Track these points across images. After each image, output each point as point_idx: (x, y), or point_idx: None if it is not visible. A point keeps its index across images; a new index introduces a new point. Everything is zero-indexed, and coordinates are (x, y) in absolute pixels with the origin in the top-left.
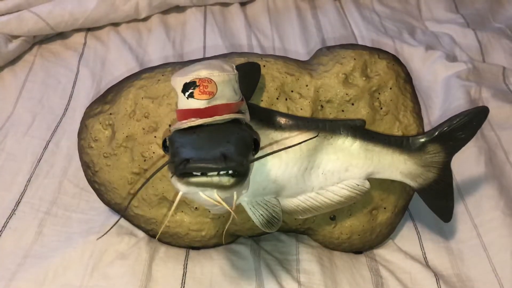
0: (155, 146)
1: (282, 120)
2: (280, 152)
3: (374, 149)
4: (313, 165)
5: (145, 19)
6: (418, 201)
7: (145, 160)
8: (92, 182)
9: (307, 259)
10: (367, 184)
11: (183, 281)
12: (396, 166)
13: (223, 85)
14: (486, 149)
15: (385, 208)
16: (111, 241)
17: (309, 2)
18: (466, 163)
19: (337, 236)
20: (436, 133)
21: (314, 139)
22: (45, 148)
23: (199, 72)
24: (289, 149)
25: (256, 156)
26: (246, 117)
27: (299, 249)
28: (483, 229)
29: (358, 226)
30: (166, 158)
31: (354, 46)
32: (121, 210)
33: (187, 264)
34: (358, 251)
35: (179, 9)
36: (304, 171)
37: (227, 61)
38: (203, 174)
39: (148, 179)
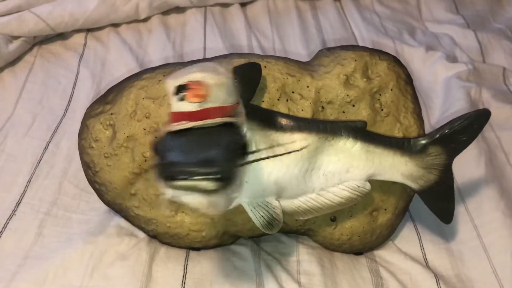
0: None
1: (283, 121)
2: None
3: (375, 150)
4: (314, 166)
5: (145, 19)
6: (419, 202)
7: (146, 161)
8: (92, 182)
9: (308, 260)
10: (368, 186)
11: (183, 281)
12: (397, 168)
13: (217, 88)
14: (487, 150)
15: (385, 210)
16: (111, 241)
17: (309, 3)
18: (466, 164)
19: (338, 237)
20: (438, 135)
21: (315, 140)
22: (45, 149)
23: (192, 75)
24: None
25: (247, 160)
26: (241, 120)
27: (300, 250)
28: (484, 230)
29: (358, 227)
30: None
31: (354, 47)
32: (121, 210)
33: (187, 264)
34: (358, 252)
35: (179, 10)
36: (305, 172)
37: (227, 62)
38: (188, 178)
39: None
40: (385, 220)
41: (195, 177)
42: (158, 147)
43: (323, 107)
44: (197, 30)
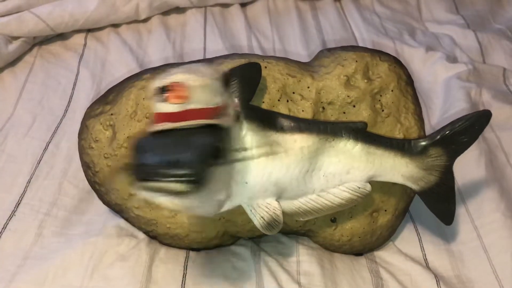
0: None
1: (284, 122)
2: (281, 156)
3: (375, 152)
4: (314, 167)
5: (145, 20)
6: (419, 203)
7: None
8: (92, 182)
9: (308, 261)
10: (368, 187)
11: (183, 282)
12: (397, 169)
13: (199, 90)
14: (487, 150)
15: (385, 211)
16: (111, 242)
17: (310, 3)
18: (466, 164)
19: (338, 238)
20: (438, 137)
21: (316, 141)
22: (45, 149)
23: (175, 77)
24: (290, 151)
25: (225, 162)
26: (227, 122)
27: (300, 251)
28: (484, 230)
29: (358, 228)
30: None
31: (355, 48)
32: (121, 211)
33: (187, 265)
34: (358, 253)
35: (179, 10)
36: (305, 173)
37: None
38: (158, 179)
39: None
40: (385, 221)
41: (165, 179)
42: (136, 147)
43: (323, 108)
44: (197, 30)
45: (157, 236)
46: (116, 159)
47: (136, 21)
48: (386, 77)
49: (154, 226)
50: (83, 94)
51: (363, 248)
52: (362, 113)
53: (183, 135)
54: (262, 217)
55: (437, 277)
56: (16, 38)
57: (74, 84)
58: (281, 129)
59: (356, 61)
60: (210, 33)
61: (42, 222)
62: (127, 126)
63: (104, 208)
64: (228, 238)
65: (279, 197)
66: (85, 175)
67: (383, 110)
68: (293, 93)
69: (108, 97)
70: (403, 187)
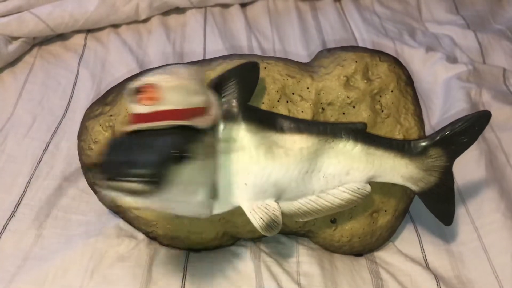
0: None
1: (283, 123)
2: (280, 156)
3: (375, 152)
4: (314, 168)
5: (145, 20)
6: (419, 203)
7: None
8: (92, 184)
9: (308, 262)
10: (368, 188)
11: (183, 283)
12: (397, 170)
13: (172, 91)
14: (487, 151)
15: (385, 211)
16: (111, 243)
17: (310, 3)
18: (466, 165)
19: (338, 238)
20: (438, 137)
21: (315, 142)
22: (45, 149)
23: (147, 78)
24: (290, 152)
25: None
26: (204, 123)
27: (300, 252)
28: (484, 231)
29: (358, 229)
30: None
31: (355, 49)
32: (121, 212)
33: (187, 266)
34: (358, 254)
35: (179, 10)
36: (305, 174)
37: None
38: (117, 178)
39: None
40: (385, 221)
41: (124, 179)
42: (108, 147)
43: (323, 109)
44: (197, 30)
45: (157, 237)
46: (91, 158)
47: (136, 22)
48: (385, 77)
49: (154, 227)
50: (83, 94)
51: (363, 248)
52: (361, 114)
53: (151, 135)
54: (261, 218)
55: (437, 278)
56: (16, 38)
57: (74, 85)
58: (280, 130)
59: (356, 61)
60: (210, 34)
61: (42, 222)
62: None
63: (104, 208)
64: (228, 239)
65: (278, 198)
66: (85, 176)
67: (382, 111)
68: (293, 93)
69: (108, 98)
70: (403, 188)
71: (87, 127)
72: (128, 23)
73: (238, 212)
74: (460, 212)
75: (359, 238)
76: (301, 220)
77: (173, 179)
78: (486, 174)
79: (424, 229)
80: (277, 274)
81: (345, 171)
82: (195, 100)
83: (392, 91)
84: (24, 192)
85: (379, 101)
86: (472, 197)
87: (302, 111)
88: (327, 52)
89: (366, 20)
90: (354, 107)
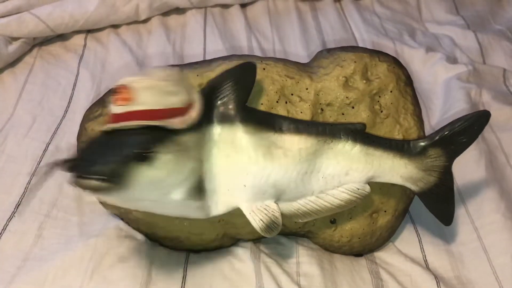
0: None
1: (282, 124)
2: (279, 156)
3: (374, 153)
4: (313, 169)
5: (145, 20)
6: (419, 204)
7: None
8: None
9: (307, 262)
10: (367, 188)
11: (183, 284)
12: (396, 170)
13: (145, 92)
14: (487, 151)
15: (385, 212)
16: (111, 244)
17: (310, 4)
18: (466, 165)
19: (338, 239)
20: (437, 137)
21: (314, 143)
22: (45, 150)
23: (122, 80)
24: (288, 153)
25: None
26: (178, 123)
27: (299, 252)
28: (484, 231)
29: (358, 229)
30: None
31: (354, 49)
32: (121, 213)
33: (187, 267)
34: (358, 254)
35: (179, 11)
36: (304, 175)
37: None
38: (80, 175)
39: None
40: (385, 222)
41: (87, 176)
42: (84, 146)
43: (322, 109)
44: (197, 31)
45: (157, 239)
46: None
47: (136, 22)
48: (385, 77)
49: (154, 228)
50: (83, 94)
51: (363, 249)
52: (361, 114)
53: (121, 135)
54: (261, 220)
55: (437, 278)
56: (16, 39)
57: (74, 85)
58: (279, 131)
59: (355, 61)
60: (210, 34)
61: (42, 223)
62: None
63: (104, 210)
64: (228, 240)
65: (278, 199)
66: None
67: (382, 111)
68: (292, 94)
69: (107, 99)
70: (402, 188)
71: (86, 129)
72: (128, 24)
73: (238, 213)
74: (460, 213)
75: (359, 238)
76: (300, 220)
77: (135, 178)
78: (486, 175)
79: (424, 230)
80: (277, 274)
81: (344, 171)
82: (170, 101)
83: (391, 91)
84: (24, 192)
85: (378, 101)
86: (472, 197)
87: (301, 112)
88: (326, 52)
89: (366, 21)
90: (353, 107)
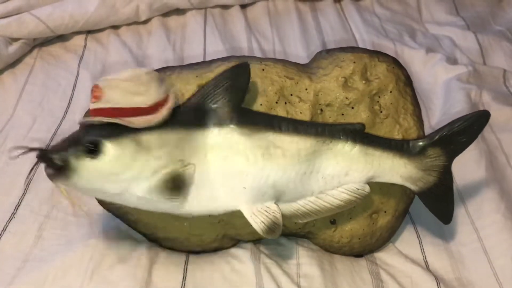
0: None
1: (280, 124)
2: (277, 157)
3: (374, 153)
4: (312, 169)
5: (145, 21)
6: (419, 204)
7: None
8: None
9: (308, 263)
10: (367, 188)
11: (183, 285)
12: (396, 170)
13: (110, 91)
14: (487, 152)
15: (385, 212)
16: (111, 245)
17: (310, 4)
18: (466, 166)
19: (338, 239)
20: (437, 137)
21: (313, 143)
22: None
23: (101, 78)
24: (287, 153)
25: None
26: (137, 123)
27: (300, 253)
28: (484, 232)
29: (358, 230)
30: None
31: (353, 49)
32: (121, 214)
33: (187, 268)
34: (358, 255)
35: (179, 11)
36: (303, 175)
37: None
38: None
39: None
40: (385, 222)
41: (44, 163)
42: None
43: (321, 110)
44: (197, 32)
45: (157, 239)
46: None
47: (136, 23)
48: (384, 78)
49: (153, 229)
50: (83, 95)
51: (363, 249)
52: (360, 115)
53: (84, 129)
54: (262, 222)
55: (438, 279)
56: (16, 39)
57: (74, 86)
58: (278, 130)
59: (354, 62)
60: (210, 35)
61: (42, 224)
62: None
63: (104, 211)
64: (228, 241)
65: (277, 200)
66: None
67: (381, 111)
68: (291, 95)
69: None
70: (402, 188)
71: None
72: (128, 24)
73: (237, 214)
74: (460, 213)
75: (359, 239)
76: (300, 221)
77: (80, 168)
78: (486, 175)
79: (424, 230)
80: (277, 275)
81: (344, 172)
82: (133, 101)
83: (391, 92)
84: (24, 193)
85: (378, 101)
86: (472, 198)
87: (300, 112)
88: (325, 53)
89: (366, 21)
90: (352, 108)
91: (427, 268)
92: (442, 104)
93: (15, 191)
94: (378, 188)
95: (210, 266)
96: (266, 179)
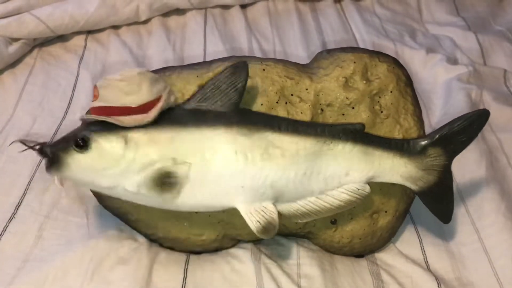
0: None
1: (280, 124)
2: (276, 157)
3: (374, 153)
4: (312, 170)
5: (146, 21)
6: (419, 204)
7: None
8: None
9: (308, 263)
10: (367, 188)
11: (184, 285)
12: (396, 170)
13: (104, 90)
14: (487, 152)
15: (386, 212)
16: (111, 245)
17: (310, 5)
18: (467, 166)
19: (338, 240)
20: (437, 136)
21: (313, 143)
22: None
23: (102, 78)
24: (286, 153)
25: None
26: (126, 122)
27: (300, 253)
28: (485, 233)
29: (359, 230)
30: None
31: (354, 49)
32: (121, 214)
33: (187, 268)
34: (359, 255)
35: (179, 11)
36: (303, 176)
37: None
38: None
39: None
40: (385, 222)
41: (41, 155)
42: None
43: (322, 110)
44: (197, 32)
45: (157, 239)
46: None
47: (136, 23)
48: (385, 78)
49: (154, 229)
50: (83, 95)
51: (363, 249)
52: (361, 115)
53: (81, 126)
54: (258, 221)
55: (438, 280)
56: (16, 39)
57: (74, 86)
58: (277, 130)
59: (355, 62)
60: (210, 35)
61: (42, 224)
62: None
63: (104, 211)
64: (228, 241)
65: (277, 200)
66: None
67: (382, 112)
68: (292, 95)
69: None
70: (403, 188)
71: None
72: (128, 24)
73: (238, 214)
74: (461, 214)
75: (360, 239)
76: (300, 221)
77: (70, 162)
78: (486, 175)
79: (424, 230)
80: (278, 276)
81: (344, 172)
82: (124, 100)
83: (391, 92)
84: (24, 193)
85: (378, 101)
86: (472, 198)
87: (301, 113)
88: (326, 53)
89: (367, 22)
90: (353, 108)
91: (427, 268)
92: (443, 104)
93: (15, 191)
94: (378, 188)
95: (211, 266)
96: (265, 179)
